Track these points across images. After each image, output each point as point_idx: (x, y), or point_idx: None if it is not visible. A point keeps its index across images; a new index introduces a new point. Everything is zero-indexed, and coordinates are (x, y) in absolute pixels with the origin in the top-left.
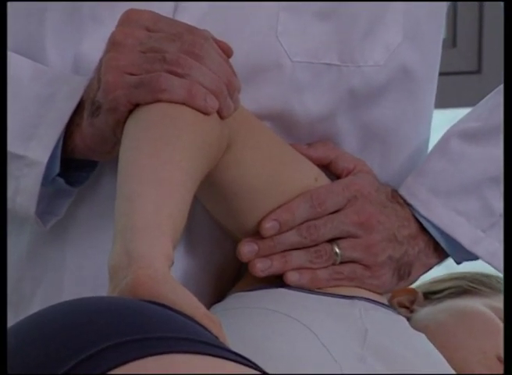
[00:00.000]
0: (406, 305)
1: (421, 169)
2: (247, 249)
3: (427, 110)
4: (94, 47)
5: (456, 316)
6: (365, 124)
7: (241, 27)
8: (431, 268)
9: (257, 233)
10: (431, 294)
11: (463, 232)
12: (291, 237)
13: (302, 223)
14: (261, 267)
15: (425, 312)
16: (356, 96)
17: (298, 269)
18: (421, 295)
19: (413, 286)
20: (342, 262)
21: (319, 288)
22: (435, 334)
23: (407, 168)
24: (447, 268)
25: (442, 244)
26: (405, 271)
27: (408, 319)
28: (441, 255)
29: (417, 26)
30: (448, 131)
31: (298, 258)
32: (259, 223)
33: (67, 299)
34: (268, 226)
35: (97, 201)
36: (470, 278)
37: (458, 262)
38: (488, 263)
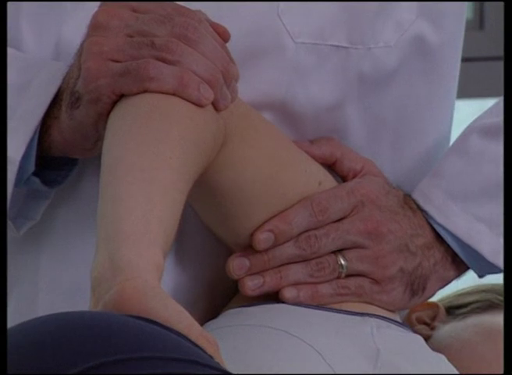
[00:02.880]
0: (426, 321)
1: (436, 170)
2: (236, 265)
3: (447, 98)
4: (76, 31)
5: (484, 334)
6: (375, 113)
7: (238, 5)
8: (449, 282)
9: (252, 245)
10: (454, 309)
11: (483, 241)
12: (288, 250)
13: (301, 234)
14: (252, 285)
15: (448, 329)
16: (365, 81)
17: (296, 284)
18: (443, 310)
19: (434, 299)
20: (347, 276)
21: (322, 305)
22: (460, 355)
23: (422, 166)
24: (474, 280)
25: (461, 254)
26: (419, 286)
27: (428, 338)
28: (460, 267)
29: (433, 2)
30: (467, 127)
31: (296, 272)
32: (252, 235)
33: (41, 312)
34: (262, 239)
35: (77, 205)
36: (499, 291)
37: (480, 276)
38: None
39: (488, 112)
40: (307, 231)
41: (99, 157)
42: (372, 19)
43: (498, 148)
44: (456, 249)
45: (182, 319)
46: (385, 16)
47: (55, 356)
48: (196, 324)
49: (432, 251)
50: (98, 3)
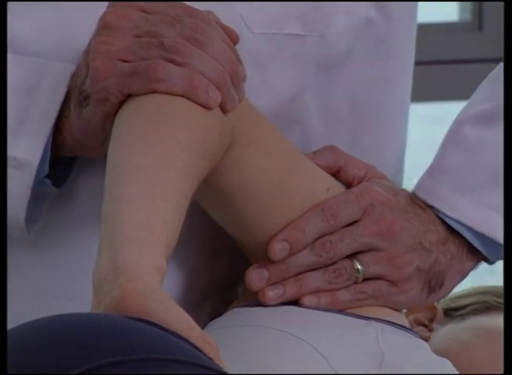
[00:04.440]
0: (424, 322)
1: (438, 165)
2: (256, 277)
3: (400, 87)
4: (28, 28)
5: (482, 336)
6: (331, 102)
7: None
8: (467, 274)
9: (264, 245)
10: (452, 311)
11: (497, 227)
12: (305, 258)
13: (316, 240)
14: (273, 295)
15: (446, 331)
16: (321, 69)
17: (316, 292)
18: (441, 312)
19: None
20: (364, 280)
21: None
22: (458, 356)
23: (378, 157)
24: (471, 282)
25: (477, 244)
26: (437, 282)
27: (426, 340)
28: (476, 256)
29: None
30: (458, 119)
31: (315, 280)
32: (267, 246)
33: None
34: (278, 249)
35: (66, 205)
36: (496, 292)
37: (492, 262)
38: None
39: (476, 100)
40: (321, 237)
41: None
42: (322, 6)
43: (496, 134)
44: (472, 240)
45: (182, 322)
46: (334, 2)
47: (55, 357)
48: (196, 326)
49: (447, 246)
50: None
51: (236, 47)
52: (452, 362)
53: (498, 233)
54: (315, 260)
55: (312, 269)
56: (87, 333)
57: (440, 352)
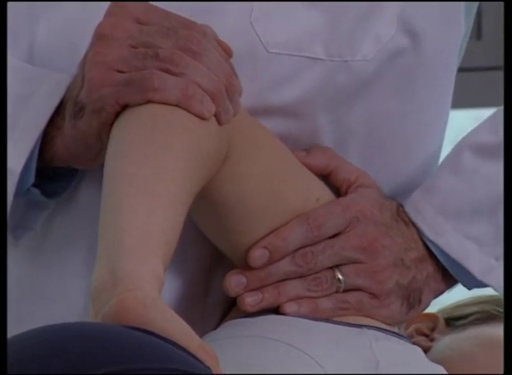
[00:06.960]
0: (425, 332)
1: (429, 185)
2: (233, 282)
3: (421, 115)
4: (48, 31)
5: (484, 346)
6: (345, 124)
7: (212, 10)
8: (440, 294)
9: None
10: (454, 320)
11: (473, 260)
12: (285, 266)
13: (297, 250)
14: (251, 302)
15: (448, 340)
16: (338, 93)
17: (296, 299)
18: (442, 322)
19: (433, 311)
20: (345, 291)
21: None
22: (460, 366)
23: (389, 177)
24: (472, 291)
25: (451, 270)
26: (415, 299)
27: (428, 349)
28: (450, 281)
29: (415, 18)
30: (460, 143)
31: (294, 287)
32: (247, 252)
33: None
34: (257, 256)
35: (71, 214)
36: (497, 302)
37: (469, 288)
38: (502, 295)
39: (483, 128)
40: (303, 247)
41: (97, 168)
42: (351, 32)
43: (492, 168)
44: (447, 265)
45: (182, 331)
46: (364, 28)
47: (54, 367)
48: (195, 336)
49: (425, 265)
50: (70, 3)
51: (249, 64)
52: (454, 372)
53: (472, 265)
54: (295, 270)
55: (292, 278)
56: (87, 342)
57: (442, 362)
